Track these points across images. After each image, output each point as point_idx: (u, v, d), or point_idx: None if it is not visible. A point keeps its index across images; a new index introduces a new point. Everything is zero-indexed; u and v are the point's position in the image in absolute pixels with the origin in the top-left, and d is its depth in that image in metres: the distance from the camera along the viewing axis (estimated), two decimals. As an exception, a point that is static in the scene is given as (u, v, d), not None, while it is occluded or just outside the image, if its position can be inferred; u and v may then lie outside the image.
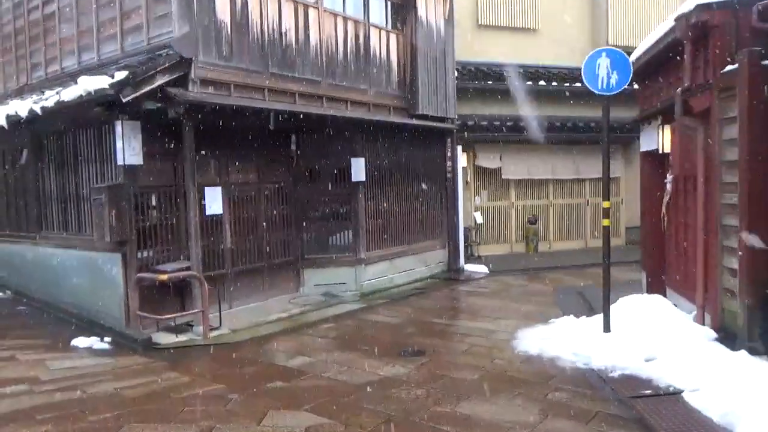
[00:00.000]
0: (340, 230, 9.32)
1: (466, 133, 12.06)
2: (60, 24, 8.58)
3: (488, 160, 12.94)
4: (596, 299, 7.96)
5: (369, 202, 9.47)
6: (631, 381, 4.90)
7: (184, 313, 6.85)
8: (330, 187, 9.23)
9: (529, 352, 5.71)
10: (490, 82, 12.84)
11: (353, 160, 9.12)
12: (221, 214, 7.77)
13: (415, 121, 10.03)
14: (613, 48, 5.97)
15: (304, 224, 9.14)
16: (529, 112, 13.16)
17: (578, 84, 13.51)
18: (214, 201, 7.61)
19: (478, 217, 12.82)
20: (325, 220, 9.29)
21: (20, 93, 9.28)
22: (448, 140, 11.19)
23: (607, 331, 5.81)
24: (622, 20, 14.36)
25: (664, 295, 7.26)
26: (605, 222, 5.91)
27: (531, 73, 13.57)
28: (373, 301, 8.50)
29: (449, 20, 10.95)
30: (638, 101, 8.45)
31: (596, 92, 5.87)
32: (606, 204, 5.92)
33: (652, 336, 5.54)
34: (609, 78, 5.82)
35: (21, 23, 9.55)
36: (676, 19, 5.74)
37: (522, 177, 13.29)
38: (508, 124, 12.84)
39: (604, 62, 5.82)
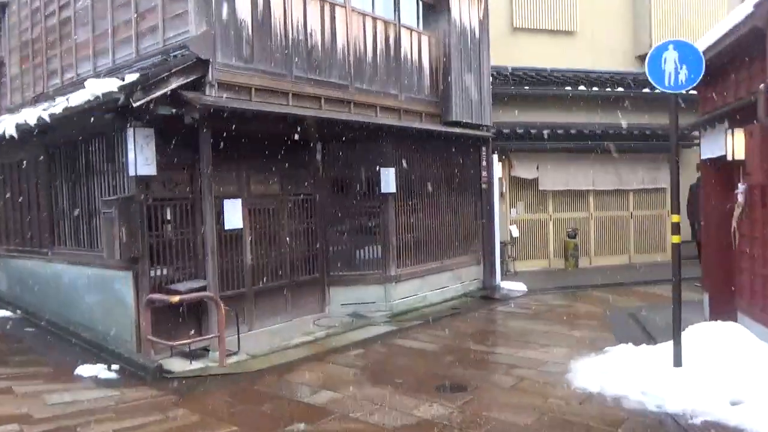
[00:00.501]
0: (368, 245, 8.68)
1: (501, 141, 11.35)
2: (75, 29, 8.20)
3: (525, 170, 12.18)
4: (654, 324, 7.18)
5: (399, 214, 8.82)
6: (717, 430, 4.12)
7: (199, 338, 6.25)
8: (358, 199, 8.61)
9: (588, 390, 4.95)
10: (526, 88, 12.13)
11: (383, 170, 8.49)
12: (241, 228, 7.20)
13: (448, 129, 9.37)
14: (684, 40, 5.20)
15: (330, 239, 8.52)
16: (568, 118, 12.44)
17: (620, 89, 12.77)
18: (233, 214, 7.05)
19: (514, 231, 12.05)
20: (353, 234, 8.66)
21: (36, 102, 8.92)
22: (483, 149, 10.49)
23: (678, 366, 5.02)
24: (667, 22, 13.51)
25: (735, 320, 6.42)
26: (675, 239, 5.15)
27: (570, 77, 12.82)
28: (404, 323, 7.81)
29: (484, 21, 10.29)
30: (700, 103, 7.64)
31: (662, 90, 5.12)
32: (675, 218, 5.16)
33: (734, 373, 4.74)
34: (677, 73, 5.08)
35: (38, 31, 9.23)
36: (757, 5, 4.99)
37: (560, 188, 12.48)
38: (546, 131, 12.08)
39: (671, 56, 5.09)
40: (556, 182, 12.43)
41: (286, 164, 7.87)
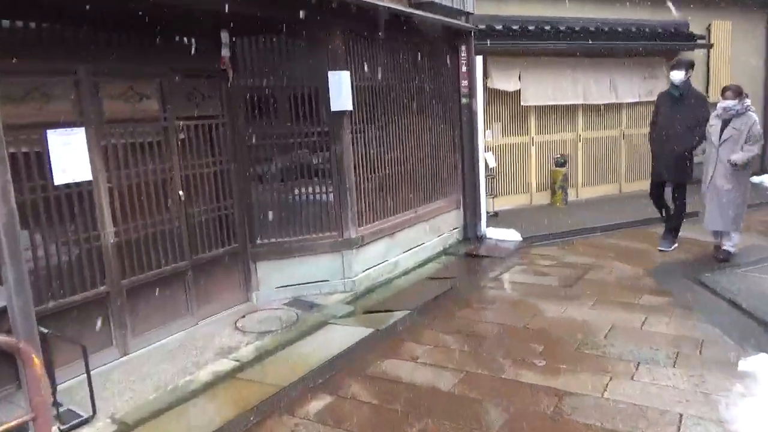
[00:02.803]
0: (313, 194, 5.65)
1: (475, 40, 8.35)
2: None
3: (504, 80, 9.32)
4: (746, 299, 4.82)
5: (357, 144, 5.80)
6: None
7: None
8: (293, 122, 5.46)
9: None
10: (506, -33, 9.09)
11: (332, 75, 5.35)
12: (89, 182, 3.98)
13: (422, 13, 6.25)
14: None
15: (254, 188, 5.41)
16: (555, 11, 9.63)
17: (620, -28, 10.00)
18: (70, 157, 3.81)
19: (490, 160, 9.33)
20: (289, 178, 5.56)
21: None
22: (463, 47, 7.49)
23: None
24: None
25: None
26: None
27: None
28: (380, 317, 4.97)
29: None
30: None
31: None
32: None
33: None
34: None
35: None
36: None
37: (545, 103, 9.79)
38: (530, 28, 9.20)
39: None
40: (540, 96, 9.71)
41: (172, 66, 4.58)
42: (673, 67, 6.60)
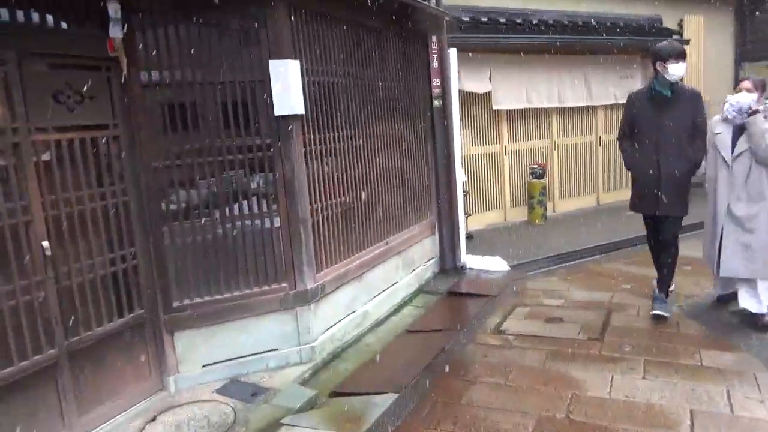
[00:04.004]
0: (253, 233, 4.07)
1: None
2: None
3: (474, 81, 8.04)
4: None
5: (313, 161, 4.28)
6: None
7: None
8: (223, 133, 3.89)
9: None
10: (473, -51, 7.84)
11: (274, 66, 3.84)
12: None
13: (390, -12, 4.83)
14: None
15: (168, 227, 3.78)
16: (526, 3, 8.50)
17: (595, -42, 9.00)
18: None
19: (460, 173, 8.01)
20: (218, 211, 3.97)
21: None
22: (434, 38, 6.14)
23: None
24: None
25: None
26: None
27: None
28: (355, 406, 3.48)
29: None
30: None
31: None
32: None
33: None
34: None
35: None
36: None
37: (519, 106, 8.60)
38: (501, 21, 8.01)
39: None
40: (513, 98, 8.50)
41: (27, 50, 2.94)
42: (671, 57, 4.30)
